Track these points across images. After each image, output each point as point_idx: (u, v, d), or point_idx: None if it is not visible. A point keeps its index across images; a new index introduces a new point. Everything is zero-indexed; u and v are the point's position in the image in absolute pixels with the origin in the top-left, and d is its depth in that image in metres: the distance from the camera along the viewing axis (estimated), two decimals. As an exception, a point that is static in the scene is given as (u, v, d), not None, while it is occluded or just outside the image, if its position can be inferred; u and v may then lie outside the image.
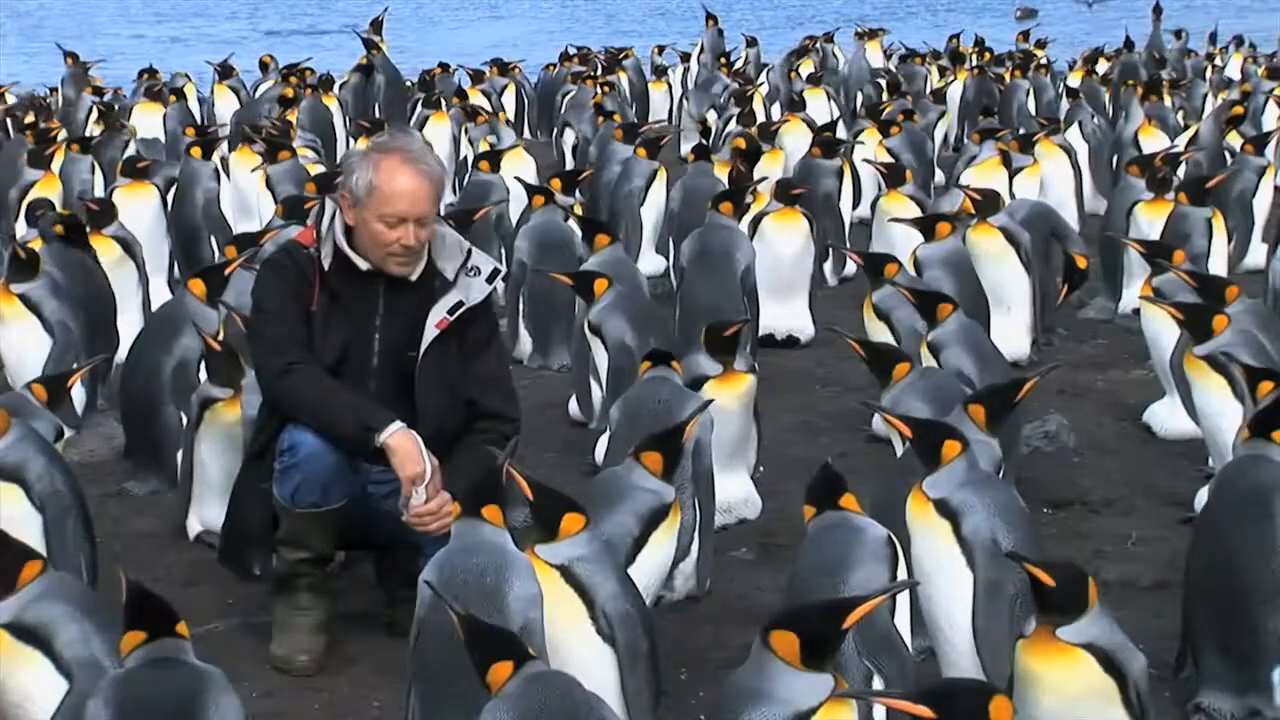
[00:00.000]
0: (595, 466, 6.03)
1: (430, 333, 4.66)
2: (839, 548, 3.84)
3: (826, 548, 3.87)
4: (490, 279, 4.75)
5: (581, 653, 3.84)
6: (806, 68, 15.89)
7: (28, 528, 4.51)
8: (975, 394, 4.89)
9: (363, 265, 4.67)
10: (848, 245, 8.96)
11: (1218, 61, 17.62)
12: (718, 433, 5.17)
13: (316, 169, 9.51)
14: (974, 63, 15.45)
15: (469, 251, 4.76)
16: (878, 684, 3.66)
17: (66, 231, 7.26)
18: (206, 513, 5.53)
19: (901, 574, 3.90)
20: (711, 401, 5.01)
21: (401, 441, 4.47)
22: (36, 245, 7.15)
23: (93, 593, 4.14)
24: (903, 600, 3.90)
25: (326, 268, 4.67)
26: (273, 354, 4.64)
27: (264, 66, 15.38)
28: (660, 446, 4.50)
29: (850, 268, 9.04)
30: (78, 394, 6.55)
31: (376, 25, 15.02)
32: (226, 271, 6.30)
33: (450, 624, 3.37)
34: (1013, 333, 7.41)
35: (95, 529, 4.89)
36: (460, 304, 4.69)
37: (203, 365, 6.00)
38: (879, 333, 6.55)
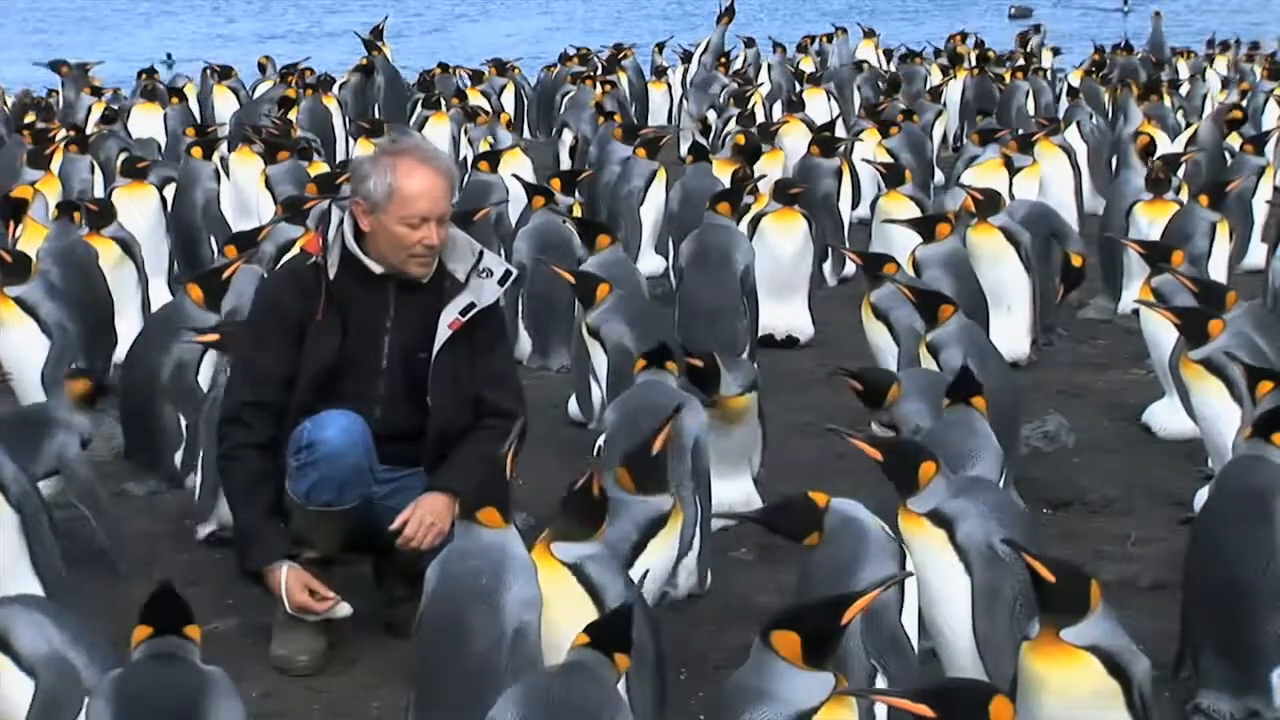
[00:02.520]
0: (595, 468, 6.02)
1: (443, 333, 4.66)
2: (848, 547, 3.82)
3: (835, 547, 3.85)
4: (502, 281, 4.75)
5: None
6: (806, 66, 15.90)
7: (7, 528, 4.60)
8: (960, 386, 4.87)
9: (376, 269, 4.68)
10: (847, 245, 8.96)
11: (1216, 63, 17.65)
12: (721, 445, 5.15)
13: (320, 168, 9.51)
14: (973, 63, 15.45)
15: (480, 253, 4.76)
16: (882, 684, 3.64)
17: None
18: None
19: (909, 574, 3.88)
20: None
21: (288, 580, 4.63)
22: (35, 235, 7.15)
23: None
24: (909, 601, 3.89)
25: (333, 276, 4.66)
26: (227, 420, 4.74)
27: (262, 67, 15.39)
28: (627, 463, 4.39)
29: (850, 268, 9.04)
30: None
31: (378, 31, 15.02)
32: (224, 275, 6.28)
33: (452, 622, 3.37)
34: (1013, 333, 7.41)
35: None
36: (472, 305, 4.69)
37: (201, 368, 6.02)
38: (878, 333, 6.54)
